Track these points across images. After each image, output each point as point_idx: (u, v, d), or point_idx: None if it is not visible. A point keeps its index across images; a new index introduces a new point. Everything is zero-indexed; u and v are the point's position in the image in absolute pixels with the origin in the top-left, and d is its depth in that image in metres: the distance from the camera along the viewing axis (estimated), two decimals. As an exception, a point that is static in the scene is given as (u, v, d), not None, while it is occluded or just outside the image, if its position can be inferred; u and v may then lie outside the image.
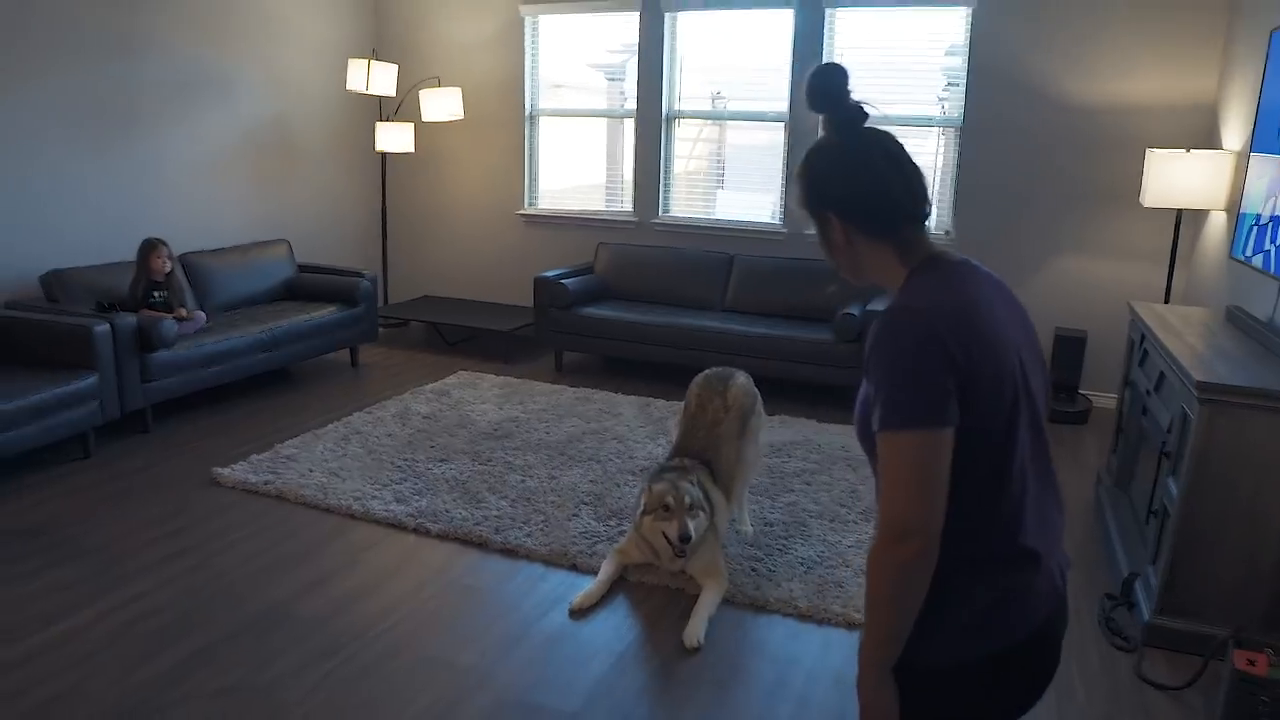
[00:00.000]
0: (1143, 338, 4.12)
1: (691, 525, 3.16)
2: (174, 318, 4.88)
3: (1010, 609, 1.35)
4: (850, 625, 3.12)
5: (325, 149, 6.85)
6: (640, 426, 5.06)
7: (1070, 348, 5.56)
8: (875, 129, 1.42)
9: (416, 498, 4.01)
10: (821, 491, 4.24)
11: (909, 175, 1.40)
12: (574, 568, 3.47)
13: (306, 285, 6.05)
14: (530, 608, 3.15)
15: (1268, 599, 2.96)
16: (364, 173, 7.23)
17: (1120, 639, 3.12)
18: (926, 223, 1.43)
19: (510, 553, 3.58)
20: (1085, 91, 5.53)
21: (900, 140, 1.42)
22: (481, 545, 3.63)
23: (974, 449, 1.28)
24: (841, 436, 4.96)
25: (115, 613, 3.02)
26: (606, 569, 3.36)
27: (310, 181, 6.76)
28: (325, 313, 5.74)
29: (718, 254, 6.32)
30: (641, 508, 3.28)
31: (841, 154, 1.41)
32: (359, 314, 5.97)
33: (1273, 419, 2.86)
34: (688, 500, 3.20)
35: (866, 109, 1.41)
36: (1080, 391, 5.66)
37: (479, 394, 5.51)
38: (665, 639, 2.98)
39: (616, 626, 3.05)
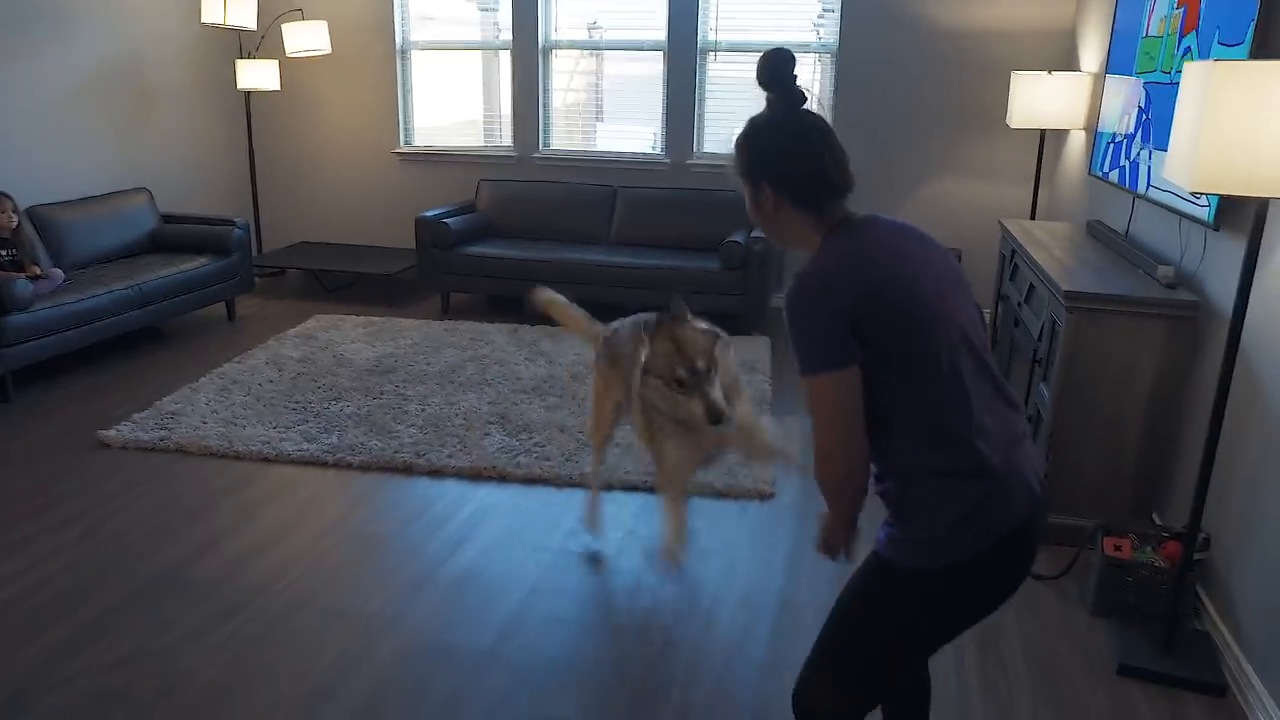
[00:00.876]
0: (1013, 253, 4.31)
1: (719, 394, 2.48)
2: (26, 276, 4.56)
3: (977, 517, 1.47)
4: (762, 498, 3.56)
5: (183, 89, 6.44)
6: (516, 350, 5.18)
7: (945, 266, 5.77)
8: (811, 111, 1.60)
9: (325, 435, 4.01)
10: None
11: (838, 155, 1.58)
12: (502, 479, 3.68)
13: (173, 236, 5.73)
14: (436, 549, 3.14)
15: (1132, 491, 3.19)
16: (227, 114, 6.84)
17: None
18: (847, 196, 1.60)
19: (437, 473, 3.73)
20: (953, 17, 5.65)
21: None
22: (406, 470, 3.75)
23: (899, 374, 1.48)
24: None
25: (-8, 590, 2.87)
26: (595, 466, 3.23)
27: (168, 125, 6.36)
28: (196, 265, 5.46)
29: (601, 187, 6.28)
30: (640, 365, 2.59)
31: (783, 132, 1.58)
32: (232, 264, 5.71)
33: (1131, 323, 3.05)
34: (702, 364, 2.47)
35: (805, 92, 1.60)
36: (955, 308, 5.90)
37: (345, 334, 5.42)
38: (575, 567, 3.02)
39: (523, 561, 3.06)
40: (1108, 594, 2.84)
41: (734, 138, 1.65)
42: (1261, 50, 2.73)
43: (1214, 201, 2.93)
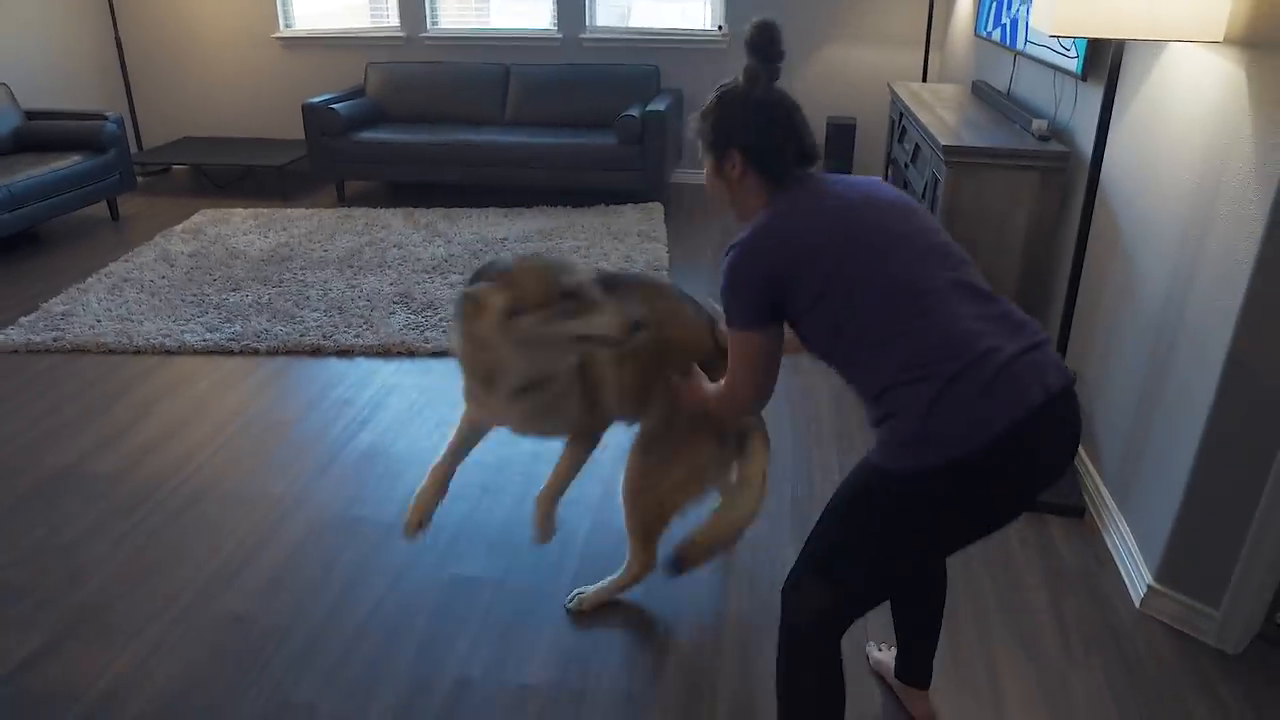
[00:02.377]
0: (901, 116, 4.38)
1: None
2: (-118, 180, 4.29)
3: (958, 418, 1.39)
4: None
5: (33, -26, 5.98)
6: (414, 232, 5.15)
7: (842, 135, 5.83)
8: (781, 89, 1.69)
9: (227, 325, 3.97)
10: (600, 260, 4.68)
11: (805, 133, 1.67)
12: (410, 354, 3.75)
13: (40, 134, 5.41)
14: (340, 430, 3.16)
15: (1007, 337, 3.36)
16: (88, 1, 6.39)
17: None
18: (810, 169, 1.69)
19: (345, 352, 3.77)
20: (842, -127, 5.55)
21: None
22: (315, 352, 3.77)
23: (840, 313, 1.52)
24: (603, 219, 5.32)
25: (-121, 499, 2.81)
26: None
27: (20, 12, 5.92)
28: (68, 163, 5.18)
29: (494, 65, 6.11)
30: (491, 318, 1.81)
31: (758, 105, 1.66)
32: (109, 161, 5.43)
33: (1006, 175, 3.16)
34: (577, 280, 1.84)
35: (779, 69, 1.68)
36: (854, 175, 5.98)
37: (236, 228, 5.29)
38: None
39: (429, 435, 3.11)
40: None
41: (702, 106, 1.72)
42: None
43: (1081, 52, 3.02)
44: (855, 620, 1.60)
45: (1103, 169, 2.88)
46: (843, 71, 5.94)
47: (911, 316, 1.47)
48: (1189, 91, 2.32)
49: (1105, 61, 2.84)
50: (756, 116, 1.67)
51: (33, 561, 2.52)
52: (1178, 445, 2.24)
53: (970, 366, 1.41)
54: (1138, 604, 2.35)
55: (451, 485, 2.72)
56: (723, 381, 1.75)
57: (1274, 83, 1.93)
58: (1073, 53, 3.10)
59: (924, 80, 5.40)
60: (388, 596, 2.37)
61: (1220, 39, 2.09)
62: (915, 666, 1.96)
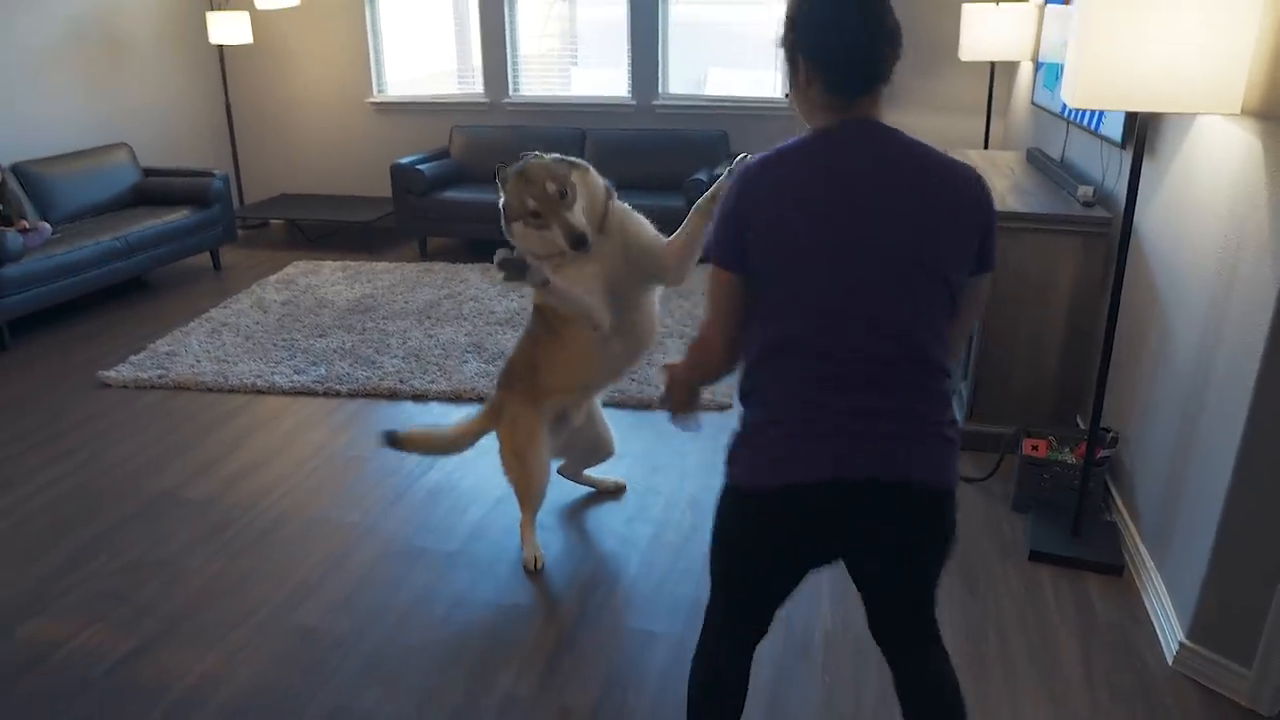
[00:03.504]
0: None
1: (580, 217, 2.45)
2: (16, 230, 4.75)
3: (761, 452, 1.46)
4: (721, 409, 3.85)
5: (156, 43, 6.56)
6: (489, 287, 5.45)
7: (905, 199, 5.96)
8: None
9: (313, 368, 4.28)
10: (665, 317, 4.83)
11: (879, 40, 1.45)
12: (480, 399, 3.92)
13: (155, 189, 5.91)
14: (412, 467, 3.39)
15: (1055, 397, 3.44)
16: (202, 68, 6.96)
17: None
18: (880, 93, 1.51)
19: (420, 397, 4.02)
20: (907, -50, 5.78)
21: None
22: (391, 396, 4.03)
23: (761, 291, 1.46)
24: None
25: (1, 517, 3.12)
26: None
27: (145, 80, 6.49)
28: (178, 216, 5.64)
29: (571, 129, 6.44)
30: (503, 217, 2.55)
31: (822, 4, 1.45)
32: (214, 215, 5.89)
33: (1049, 240, 3.27)
34: (552, 188, 2.42)
35: None
36: (916, 239, 6.10)
37: (324, 278, 5.64)
38: (538, 484, 3.27)
39: (493, 475, 3.31)
40: (1025, 491, 3.11)
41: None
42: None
43: (1122, 121, 3.14)
44: (735, 632, 1.63)
45: (1142, 234, 2.98)
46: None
47: (803, 351, 1.43)
48: (1214, 160, 2.43)
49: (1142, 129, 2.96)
50: (822, 17, 1.46)
51: (134, 573, 2.79)
52: (1207, 504, 2.30)
53: (786, 415, 1.44)
54: (1170, 661, 2.40)
55: (511, 520, 2.93)
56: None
57: (1287, 157, 2.04)
58: (1116, 122, 3.23)
59: (985, 147, 5.53)
60: (446, 620, 2.56)
61: (1238, 111, 2.21)
62: None
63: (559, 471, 3.14)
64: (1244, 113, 2.25)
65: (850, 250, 1.41)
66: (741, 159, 1.84)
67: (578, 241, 2.41)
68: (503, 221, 2.54)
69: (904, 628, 1.65)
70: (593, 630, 2.52)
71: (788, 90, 1.55)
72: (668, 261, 2.67)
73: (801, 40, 1.47)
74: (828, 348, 1.42)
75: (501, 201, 2.53)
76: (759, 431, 1.48)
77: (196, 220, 5.75)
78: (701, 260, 1.64)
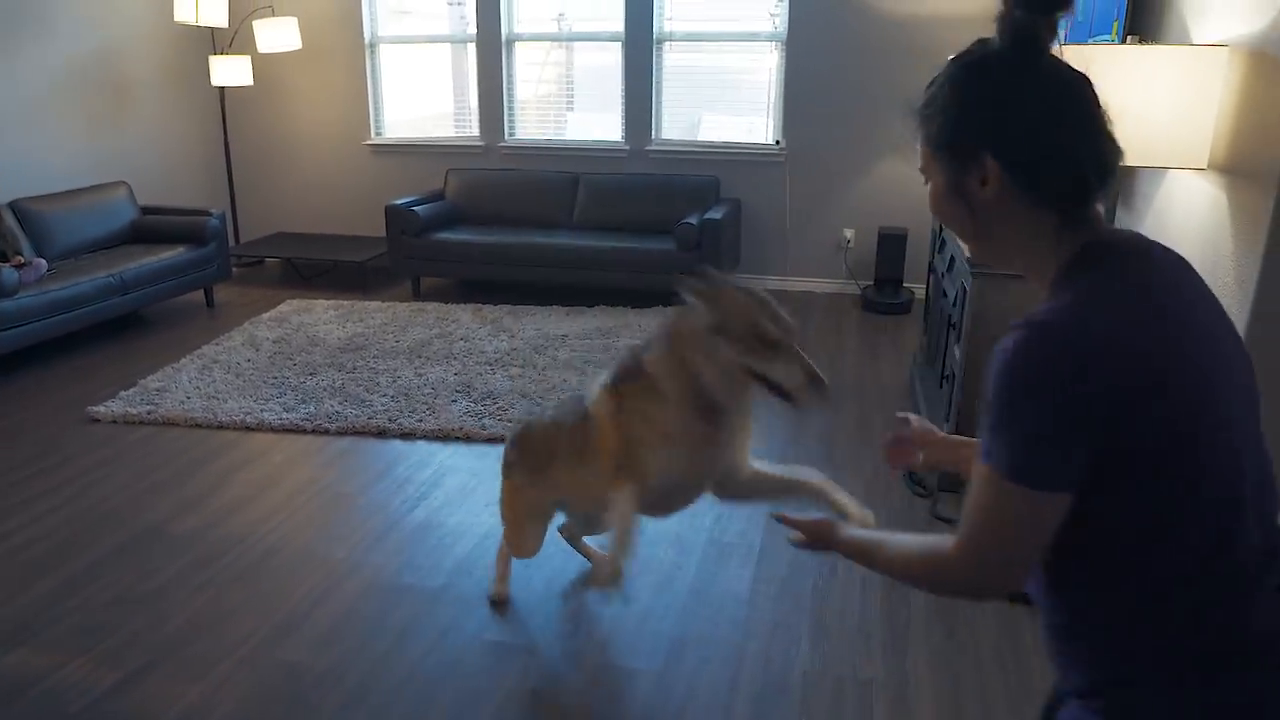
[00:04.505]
0: (940, 228, 4.61)
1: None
2: (12, 265, 4.81)
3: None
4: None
5: (158, 85, 6.67)
6: (480, 327, 5.49)
7: (893, 244, 6.07)
8: (1068, 63, 1.05)
9: (303, 405, 4.30)
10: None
11: (1102, 131, 1.04)
12: (468, 439, 4.00)
13: (152, 227, 5.97)
14: (399, 504, 3.42)
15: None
16: (202, 109, 7.08)
17: (920, 488, 3.62)
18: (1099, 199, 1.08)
19: (407, 436, 4.05)
20: (897, 4, 5.94)
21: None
22: (380, 434, 4.06)
23: (1154, 496, 0.99)
24: (660, 319, 5.52)
25: (-10, 547, 3.14)
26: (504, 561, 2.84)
27: (145, 120, 6.59)
28: (174, 253, 5.71)
29: (564, 174, 6.55)
30: (699, 333, 2.04)
31: (1039, 80, 1.03)
32: (209, 253, 5.95)
33: (1028, 286, 3.34)
34: (787, 322, 2.01)
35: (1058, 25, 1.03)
36: (904, 284, 6.20)
37: (317, 317, 5.69)
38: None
39: (479, 512, 3.35)
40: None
41: (937, 81, 1.10)
42: (1132, 37, 3.03)
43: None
44: None
45: (1118, 283, 3.06)
46: (895, 184, 6.22)
47: (1207, 574, 1.00)
48: (1183, 212, 2.52)
49: (1126, 184, 3.06)
50: (1035, 100, 1.02)
51: (120, 606, 2.80)
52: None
53: (1267, 660, 1.00)
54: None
55: (492, 561, 2.95)
56: (939, 539, 1.11)
57: (1248, 204, 2.12)
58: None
59: (971, 195, 5.65)
60: (428, 656, 2.58)
61: (1204, 166, 2.30)
62: None
63: (559, 530, 2.97)
64: (1210, 168, 2.33)
65: (1232, 384, 1.03)
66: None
67: (819, 386, 1.93)
68: (676, 333, 2.11)
69: None
70: (575, 667, 2.54)
71: (937, 195, 1.12)
72: (743, 474, 2.28)
73: (1004, 131, 1.04)
74: (1246, 539, 1.01)
75: (705, 316, 1.99)
76: (1226, 696, 1.00)
77: (192, 258, 5.82)
78: (986, 461, 1.03)
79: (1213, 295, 1.07)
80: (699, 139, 6.60)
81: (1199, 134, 2.26)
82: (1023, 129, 1.03)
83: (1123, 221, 2.98)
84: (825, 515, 1.62)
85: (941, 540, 1.09)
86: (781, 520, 1.47)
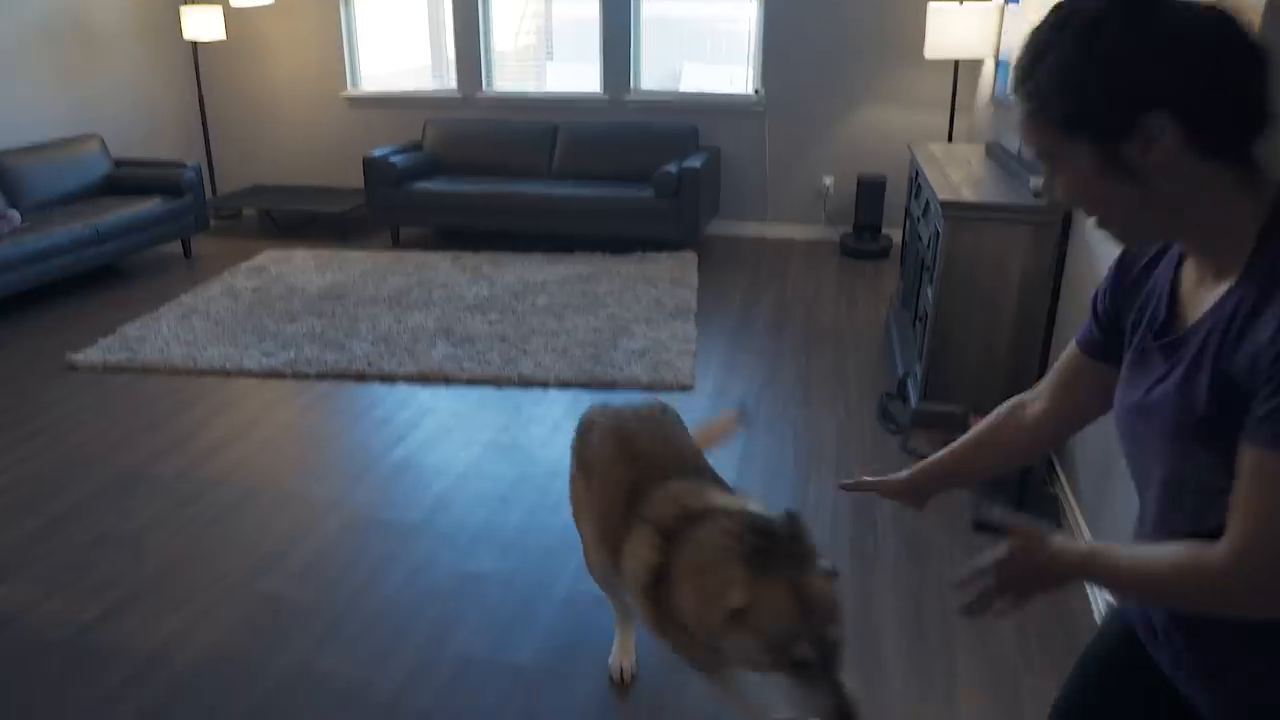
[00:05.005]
0: (916, 174, 4.63)
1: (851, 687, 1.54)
2: (-14, 216, 4.77)
3: None
4: (683, 389, 3.93)
5: (129, 37, 6.57)
6: (460, 274, 5.50)
7: (872, 191, 6.08)
8: None
9: (283, 351, 4.33)
10: (632, 303, 4.95)
11: (1265, 62, 0.92)
12: (447, 381, 4.05)
13: (127, 179, 5.92)
14: (379, 444, 3.46)
15: (1003, 377, 3.55)
16: (175, 62, 6.98)
17: (893, 424, 3.68)
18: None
19: (388, 379, 4.08)
20: (873, -51, 5.90)
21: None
22: (359, 378, 4.09)
23: None
24: (639, 266, 5.63)
25: (-30, 490, 3.17)
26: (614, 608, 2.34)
27: (117, 73, 6.50)
28: (149, 205, 5.67)
29: (542, 124, 6.51)
30: (725, 613, 1.55)
31: (1184, 18, 0.90)
32: (185, 205, 5.91)
33: (1001, 229, 3.38)
34: (832, 633, 1.56)
35: None
36: (883, 231, 6.22)
37: (295, 267, 5.68)
38: (502, 457, 3.35)
39: (457, 452, 3.39)
40: (973, 465, 3.21)
41: (1047, 55, 0.93)
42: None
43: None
44: None
45: (1086, 223, 3.09)
46: (874, 132, 6.22)
47: None
48: None
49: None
50: (1188, 42, 0.89)
51: (103, 544, 2.84)
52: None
53: None
54: (1097, 618, 2.50)
55: (474, 493, 3.00)
56: (1196, 548, 0.93)
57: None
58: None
59: (949, 141, 5.65)
60: (406, 587, 2.63)
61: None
62: None
63: None
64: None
65: None
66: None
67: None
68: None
69: None
70: (547, 597, 2.60)
71: (1069, 178, 0.97)
72: None
73: (1168, 84, 0.89)
74: None
75: (738, 597, 1.54)
76: None
77: (168, 210, 5.78)
78: None
79: None
80: (677, 89, 6.56)
81: None
82: (1185, 76, 0.89)
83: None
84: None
85: (1202, 550, 0.92)
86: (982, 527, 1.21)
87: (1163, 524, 1.04)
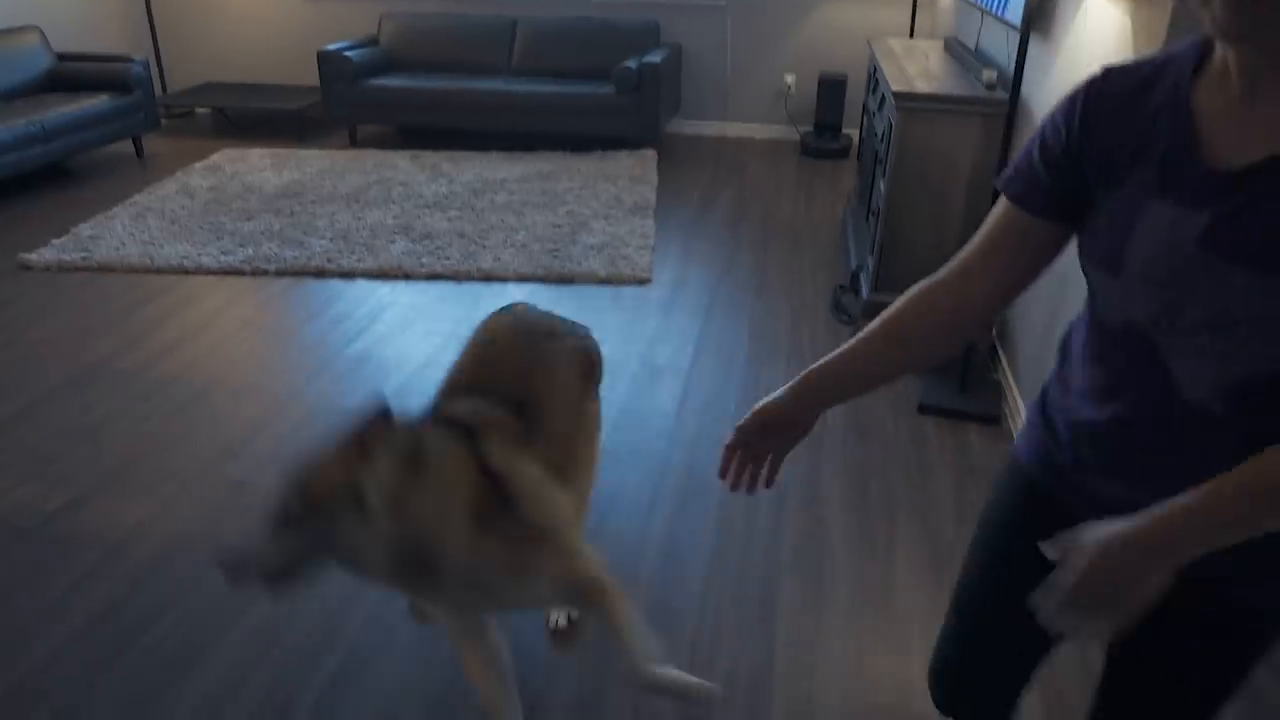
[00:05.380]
0: (874, 69, 4.62)
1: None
2: (-74, 111, 4.64)
3: None
4: (640, 283, 3.95)
5: (65, -78, 6.28)
6: (419, 172, 5.47)
7: (833, 90, 6.05)
8: None
9: (241, 249, 4.32)
10: (591, 200, 4.97)
11: None
12: (406, 277, 4.09)
13: (70, 75, 5.74)
14: (337, 339, 3.50)
15: (952, 271, 3.63)
16: (115, -51, 6.70)
17: (845, 316, 3.77)
18: None
19: (347, 275, 4.11)
20: None
21: None
22: (319, 274, 4.11)
23: None
24: (599, 164, 5.62)
25: (-72, 386, 3.18)
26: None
27: (54, -40, 6.23)
28: (96, 102, 5.51)
29: (502, 17, 6.37)
30: None
31: None
32: (134, 101, 5.76)
33: (952, 121, 3.42)
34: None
35: None
36: (843, 130, 6.22)
37: (251, 165, 5.61)
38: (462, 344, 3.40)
39: (417, 344, 3.44)
40: (920, 353, 3.32)
41: None
42: None
43: (1021, 6, 3.25)
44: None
45: (1035, 113, 3.14)
46: (835, 29, 6.15)
47: None
48: (1093, 39, 2.58)
49: (1041, 15, 3.09)
50: None
51: (64, 437, 2.88)
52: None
53: None
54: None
55: (432, 381, 3.03)
56: None
57: (1146, 26, 2.19)
58: (1019, 8, 3.34)
59: (911, 37, 5.61)
60: (370, 472, 2.71)
61: (1109, -14, 2.34)
62: None
63: None
64: (1114, -15, 2.38)
65: None
66: None
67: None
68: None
69: None
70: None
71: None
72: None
73: None
74: None
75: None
76: None
77: (116, 106, 5.63)
78: None
79: None
80: (639, -20, 6.42)
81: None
82: None
83: (1043, 54, 3.04)
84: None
85: None
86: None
87: (1208, 368, 0.93)
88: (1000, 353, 3.30)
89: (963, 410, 3.05)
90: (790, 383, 1.22)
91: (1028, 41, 2.68)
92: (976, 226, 1.13)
